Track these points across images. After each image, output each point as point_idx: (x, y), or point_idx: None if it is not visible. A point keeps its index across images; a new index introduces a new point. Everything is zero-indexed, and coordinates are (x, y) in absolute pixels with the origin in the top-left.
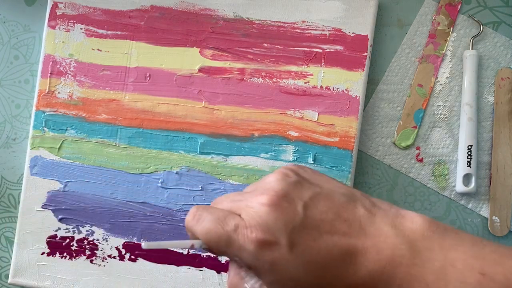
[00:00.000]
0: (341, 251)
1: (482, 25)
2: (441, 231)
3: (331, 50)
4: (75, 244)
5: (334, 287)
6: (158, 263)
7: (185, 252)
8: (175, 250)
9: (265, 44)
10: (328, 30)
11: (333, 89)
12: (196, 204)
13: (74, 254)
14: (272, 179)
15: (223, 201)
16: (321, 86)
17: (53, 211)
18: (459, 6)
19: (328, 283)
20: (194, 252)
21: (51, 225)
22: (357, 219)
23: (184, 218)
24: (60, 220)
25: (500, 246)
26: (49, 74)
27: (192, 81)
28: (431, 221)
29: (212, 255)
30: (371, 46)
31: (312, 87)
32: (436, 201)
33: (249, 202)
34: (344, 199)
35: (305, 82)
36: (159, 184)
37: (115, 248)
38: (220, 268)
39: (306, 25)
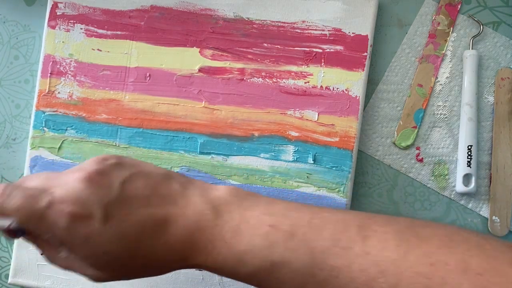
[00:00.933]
0: (153, 222)
1: (482, 25)
2: (242, 196)
3: (331, 50)
4: None
5: (148, 258)
6: None
7: None
8: None
9: (265, 44)
10: (328, 30)
11: (333, 89)
12: None
13: None
14: (89, 160)
15: (33, 179)
16: (321, 86)
17: None
18: (459, 6)
19: (142, 255)
20: None
21: None
22: (172, 193)
23: None
24: None
25: (290, 203)
26: (49, 74)
27: (192, 81)
28: (234, 189)
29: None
30: (371, 46)
31: (312, 87)
32: (436, 201)
33: (63, 179)
34: (161, 177)
35: (305, 82)
36: None
37: None
38: None
39: (306, 25)
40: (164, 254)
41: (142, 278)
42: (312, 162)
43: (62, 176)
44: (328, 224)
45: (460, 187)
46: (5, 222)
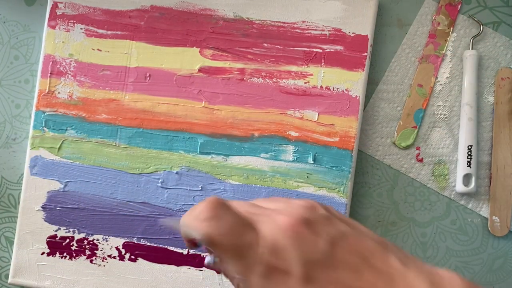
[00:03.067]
0: None
1: (482, 25)
2: None
3: (331, 50)
4: (75, 244)
5: None
6: (158, 263)
7: (185, 252)
8: (175, 250)
9: (265, 44)
10: (328, 30)
11: (333, 89)
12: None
13: (74, 254)
14: (299, 204)
15: (241, 205)
16: (321, 86)
17: (53, 211)
18: (459, 6)
19: None
20: (194, 252)
21: (51, 225)
22: (389, 270)
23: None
24: (60, 220)
25: None
26: (49, 74)
27: (192, 81)
28: (469, 285)
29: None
30: (371, 46)
31: (312, 87)
32: (436, 201)
33: (269, 219)
34: (375, 245)
35: (305, 82)
36: (159, 184)
37: (115, 248)
38: None
39: (306, 25)
40: None
41: (142, 278)
42: (312, 162)
43: (269, 213)
44: None
45: (460, 187)
46: (193, 235)
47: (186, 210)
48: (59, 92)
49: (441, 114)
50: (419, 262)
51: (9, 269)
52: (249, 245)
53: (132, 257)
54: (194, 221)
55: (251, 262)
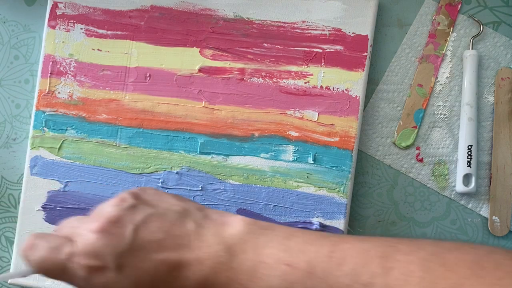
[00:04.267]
0: (168, 267)
1: (482, 25)
2: (258, 231)
3: (331, 50)
4: None
5: None
6: None
7: None
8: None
9: (265, 44)
10: (328, 30)
11: (333, 89)
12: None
13: None
14: (107, 205)
15: (64, 226)
16: (321, 86)
17: (53, 211)
18: (459, 6)
19: None
20: None
21: (52, 225)
22: (186, 234)
23: None
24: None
25: (308, 233)
26: (49, 74)
27: (192, 81)
28: (250, 223)
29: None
30: (371, 46)
31: (312, 87)
32: (436, 201)
33: (82, 229)
34: (176, 216)
35: (305, 82)
36: (159, 184)
37: None
38: None
39: (306, 25)
40: None
41: None
42: (312, 162)
43: (84, 222)
44: (349, 256)
45: (460, 187)
46: (26, 272)
47: None
48: (59, 92)
49: (441, 114)
50: (218, 215)
51: (9, 269)
52: (67, 258)
53: None
54: (23, 260)
55: (74, 270)
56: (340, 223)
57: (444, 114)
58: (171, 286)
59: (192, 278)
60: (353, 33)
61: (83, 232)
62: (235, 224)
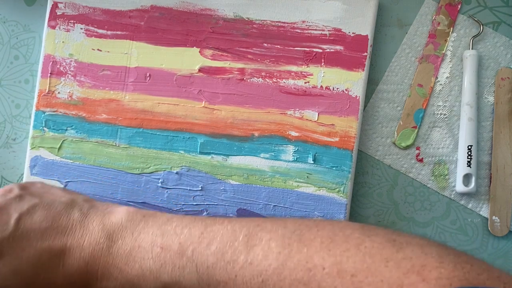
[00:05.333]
0: (50, 255)
1: (482, 25)
2: (139, 219)
3: (331, 50)
4: None
5: None
6: None
7: None
8: None
9: (265, 44)
10: (328, 30)
11: (333, 89)
12: (196, 204)
13: None
14: None
15: None
16: (321, 86)
17: None
18: (459, 6)
19: (40, 287)
20: None
21: None
22: (71, 223)
23: None
24: None
25: (186, 218)
26: (49, 74)
27: (192, 81)
28: (132, 211)
29: None
30: (371, 46)
31: (312, 87)
32: (436, 201)
33: None
34: (62, 206)
35: (305, 82)
36: (159, 184)
37: None
38: None
39: (306, 25)
40: (62, 284)
41: None
42: (312, 162)
43: None
44: (218, 236)
45: (460, 187)
46: None
47: (187, 210)
48: (59, 92)
49: (441, 114)
50: (105, 206)
51: None
52: None
53: None
54: None
55: None
56: None
57: (444, 114)
58: (53, 274)
59: (74, 264)
60: (353, 33)
61: None
62: (118, 213)
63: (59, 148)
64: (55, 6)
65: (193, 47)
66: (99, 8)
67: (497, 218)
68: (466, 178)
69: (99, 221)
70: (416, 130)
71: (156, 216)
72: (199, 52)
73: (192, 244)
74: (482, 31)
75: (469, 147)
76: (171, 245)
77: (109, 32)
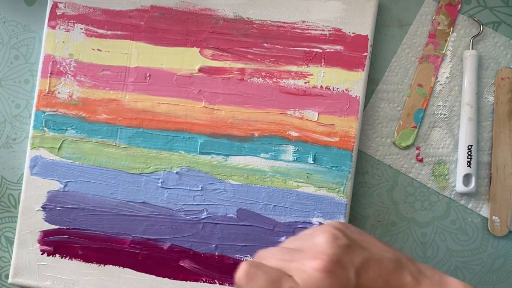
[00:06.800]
0: None
1: (482, 25)
2: None
3: (331, 50)
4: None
5: None
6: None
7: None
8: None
9: (265, 44)
10: (328, 30)
11: (333, 89)
12: (196, 204)
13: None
14: (321, 240)
15: (269, 257)
16: (321, 86)
17: (53, 211)
18: (459, 6)
19: None
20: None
21: (51, 225)
22: (403, 286)
23: (184, 218)
24: (60, 220)
25: None
26: (49, 74)
27: (192, 81)
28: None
29: None
30: (371, 46)
31: (312, 87)
32: (436, 201)
33: (301, 264)
34: (392, 265)
35: (305, 82)
36: (159, 184)
37: None
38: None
39: (306, 25)
40: None
41: (142, 278)
42: (312, 162)
43: (299, 259)
44: None
45: (460, 187)
46: None
47: (187, 210)
48: (59, 92)
49: (441, 114)
50: (430, 271)
51: (9, 269)
52: None
53: None
54: (238, 287)
55: None
56: None
57: (444, 114)
58: None
59: None
60: (353, 33)
61: (306, 269)
62: (454, 286)
63: (59, 148)
64: (55, 6)
65: (193, 47)
66: (99, 8)
67: (497, 218)
68: (466, 178)
69: None
70: (416, 130)
71: None
72: (199, 52)
73: None
74: (482, 31)
75: (469, 147)
76: None
77: (109, 32)
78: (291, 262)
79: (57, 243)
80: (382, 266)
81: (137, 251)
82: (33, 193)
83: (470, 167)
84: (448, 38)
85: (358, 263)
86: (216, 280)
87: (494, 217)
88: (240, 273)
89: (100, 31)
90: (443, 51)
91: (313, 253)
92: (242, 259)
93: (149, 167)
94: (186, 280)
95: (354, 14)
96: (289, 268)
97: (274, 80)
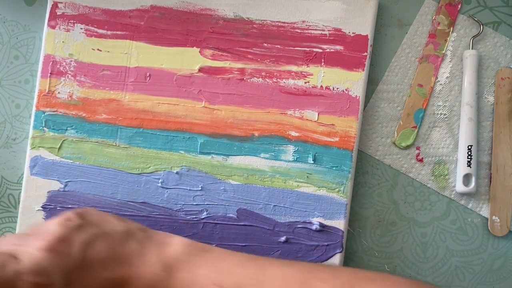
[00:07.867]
0: (112, 284)
1: (482, 25)
2: (194, 252)
3: (331, 50)
4: None
5: None
6: None
7: None
8: None
9: (265, 44)
10: (328, 30)
11: (333, 89)
12: (196, 204)
13: None
14: (53, 223)
15: (2, 243)
16: (321, 86)
17: (53, 211)
18: (459, 6)
19: None
20: None
21: None
22: (129, 253)
23: (184, 218)
24: None
25: (238, 256)
26: (49, 74)
27: (192, 81)
28: (189, 245)
29: None
30: (371, 46)
31: (312, 87)
32: (436, 201)
33: (27, 246)
34: (120, 236)
35: (305, 82)
36: (159, 184)
37: None
38: None
39: (306, 25)
40: None
41: None
42: (312, 162)
43: (27, 242)
44: (271, 280)
45: (460, 187)
46: None
47: (187, 210)
48: (59, 92)
49: (441, 114)
50: (160, 236)
51: None
52: (15, 275)
53: None
54: None
55: (21, 286)
56: (340, 223)
57: (444, 114)
58: None
59: None
60: (353, 33)
61: (29, 250)
62: (174, 245)
63: (59, 148)
64: (55, 6)
65: (193, 47)
66: (99, 8)
67: (497, 218)
68: (466, 178)
69: (156, 252)
70: (416, 130)
71: (210, 251)
72: (199, 52)
73: (245, 285)
74: (482, 31)
75: (469, 147)
76: (226, 283)
77: (109, 32)
78: (20, 246)
79: None
80: (110, 238)
81: None
82: (33, 193)
83: (470, 167)
84: (448, 38)
85: (85, 239)
86: None
87: (494, 217)
88: None
89: (100, 31)
90: (443, 51)
91: (41, 235)
92: None
93: (149, 167)
94: None
95: (354, 14)
96: (18, 252)
97: (274, 80)
